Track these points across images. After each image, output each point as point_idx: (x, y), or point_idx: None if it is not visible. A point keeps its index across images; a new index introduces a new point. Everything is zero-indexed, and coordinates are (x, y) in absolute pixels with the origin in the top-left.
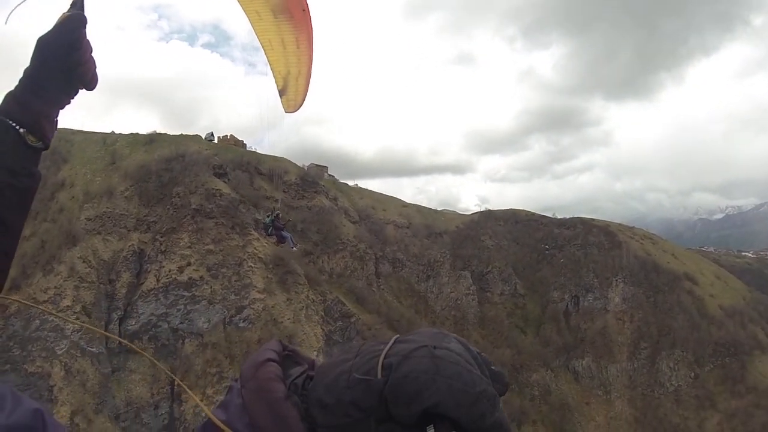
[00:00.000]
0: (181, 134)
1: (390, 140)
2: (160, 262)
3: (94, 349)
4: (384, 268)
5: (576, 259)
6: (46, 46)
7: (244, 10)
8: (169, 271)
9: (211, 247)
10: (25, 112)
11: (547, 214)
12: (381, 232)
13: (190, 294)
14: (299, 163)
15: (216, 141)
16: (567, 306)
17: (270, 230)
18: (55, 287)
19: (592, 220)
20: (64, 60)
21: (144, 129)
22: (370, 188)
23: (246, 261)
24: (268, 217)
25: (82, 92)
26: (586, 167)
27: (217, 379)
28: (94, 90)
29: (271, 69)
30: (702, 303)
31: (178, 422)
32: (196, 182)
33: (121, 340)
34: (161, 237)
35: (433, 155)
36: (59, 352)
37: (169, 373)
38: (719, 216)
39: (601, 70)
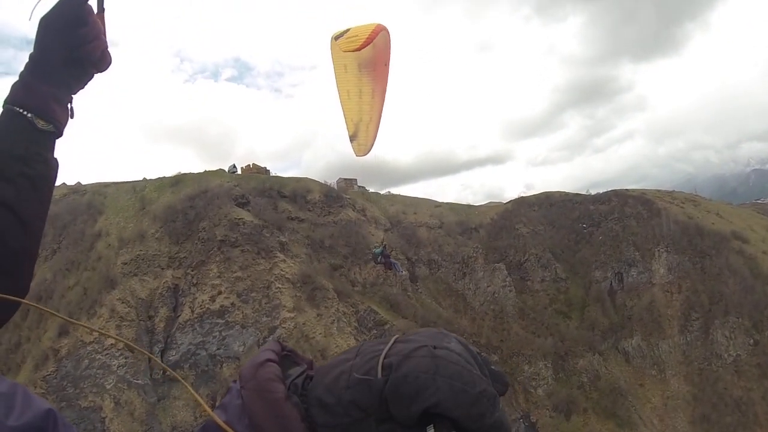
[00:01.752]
0: (205, 171)
1: (426, 142)
2: (193, 294)
3: (139, 381)
4: (420, 270)
5: (614, 235)
6: (48, 24)
7: (334, 64)
8: (202, 301)
9: (239, 274)
10: (32, 96)
11: (592, 191)
12: (413, 235)
13: (224, 321)
14: (333, 180)
15: (240, 172)
16: (611, 284)
17: (379, 258)
18: (99, 328)
19: (627, 190)
20: (68, 38)
21: (175, 170)
22: (413, 192)
23: (273, 283)
24: (376, 247)
25: (122, 135)
26: (626, 136)
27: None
28: (106, 71)
29: (344, 116)
30: (755, 262)
31: None
32: (219, 215)
33: (165, 367)
34: (192, 271)
35: (471, 150)
36: (108, 387)
37: (197, 396)
38: None
39: (623, 33)
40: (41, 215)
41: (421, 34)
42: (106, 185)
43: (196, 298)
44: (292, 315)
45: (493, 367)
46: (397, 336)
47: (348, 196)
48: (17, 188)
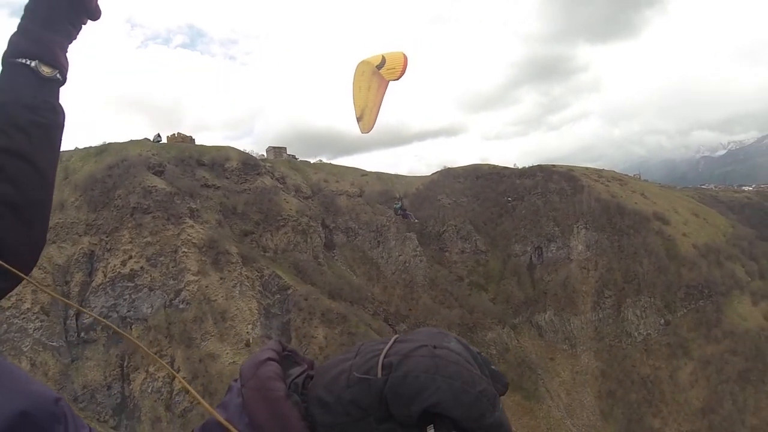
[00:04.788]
0: (130, 140)
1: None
2: (107, 259)
3: (54, 343)
4: (338, 238)
5: (535, 209)
6: None
7: (356, 70)
8: (114, 266)
9: (149, 239)
10: (35, 43)
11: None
12: (332, 203)
13: (134, 284)
14: (281, 147)
15: (165, 141)
16: (531, 258)
17: (398, 211)
18: (16, 294)
19: (553, 166)
20: None
21: (100, 140)
22: (367, 162)
23: (180, 248)
24: (396, 204)
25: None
26: (581, 115)
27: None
28: (99, 20)
29: (354, 103)
30: (673, 243)
31: (128, 400)
32: (134, 183)
33: (110, 324)
34: (107, 237)
35: (425, 121)
36: (25, 349)
37: (197, 395)
38: (722, 152)
39: (580, 12)
40: (54, 163)
41: (377, 4)
42: None
43: (109, 263)
44: (197, 278)
45: (493, 367)
46: (397, 335)
47: (269, 164)
48: (30, 137)
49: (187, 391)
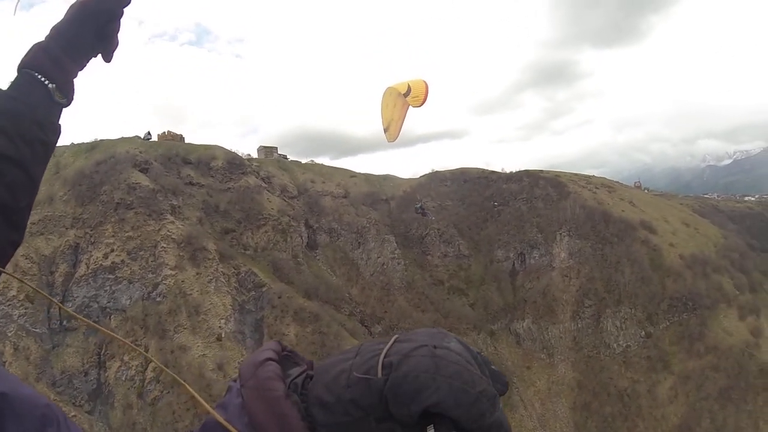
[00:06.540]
0: (121, 138)
1: (379, 114)
2: (90, 252)
3: (37, 330)
4: (321, 238)
5: (519, 215)
6: (88, 8)
7: (384, 93)
8: (97, 258)
9: (131, 233)
10: (58, 70)
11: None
12: (316, 204)
13: (114, 276)
14: (272, 147)
15: (156, 139)
16: (513, 264)
17: (418, 210)
18: (3, 282)
19: (540, 171)
20: (102, 26)
21: (90, 137)
22: (368, 164)
23: (160, 243)
24: (417, 204)
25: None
26: (585, 121)
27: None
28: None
29: (382, 116)
30: (658, 253)
31: (104, 386)
32: (120, 179)
33: (97, 326)
34: (91, 230)
35: (428, 123)
36: (9, 334)
37: (196, 395)
38: (727, 162)
39: (586, 18)
40: (42, 176)
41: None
42: None
43: (92, 255)
44: (174, 273)
45: (493, 367)
46: (397, 335)
47: (256, 164)
48: (33, 151)
49: (187, 390)
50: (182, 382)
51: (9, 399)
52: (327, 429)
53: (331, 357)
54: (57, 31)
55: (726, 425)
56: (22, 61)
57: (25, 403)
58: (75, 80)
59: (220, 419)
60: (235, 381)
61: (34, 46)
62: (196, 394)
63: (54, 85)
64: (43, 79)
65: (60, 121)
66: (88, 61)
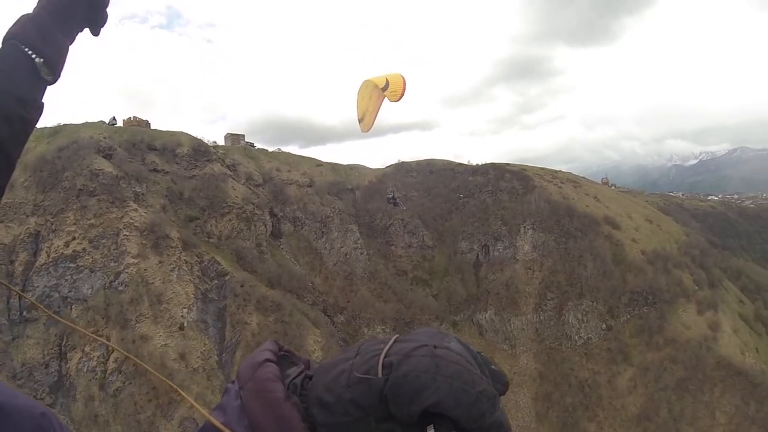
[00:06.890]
0: (85, 123)
1: (353, 103)
2: (51, 240)
3: None
4: (285, 227)
5: (484, 207)
6: None
7: (361, 86)
8: (58, 246)
9: (93, 221)
10: (47, 44)
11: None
12: (281, 192)
13: (75, 265)
14: (239, 134)
15: (121, 124)
16: (477, 256)
17: (390, 199)
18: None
19: (507, 165)
20: (95, 2)
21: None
22: (338, 153)
23: (122, 231)
24: (389, 194)
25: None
26: (557, 117)
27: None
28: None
29: (357, 107)
30: (620, 248)
31: (65, 378)
32: (82, 165)
33: (58, 318)
34: (52, 218)
35: (398, 114)
36: None
37: (192, 401)
38: (693, 162)
39: (560, 15)
40: (18, 156)
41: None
42: None
43: (53, 243)
44: (136, 261)
45: (493, 367)
46: (397, 335)
47: (221, 152)
48: (12, 129)
49: (180, 394)
50: (176, 388)
51: (4, 409)
52: (327, 429)
53: (330, 357)
54: (47, 1)
55: (683, 415)
56: (8, 31)
57: (20, 414)
58: (65, 55)
59: (218, 424)
60: (233, 383)
61: (22, 16)
62: (192, 401)
63: (41, 60)
64: (30, 52)
65: (44, 99)
66: (79, 31)
